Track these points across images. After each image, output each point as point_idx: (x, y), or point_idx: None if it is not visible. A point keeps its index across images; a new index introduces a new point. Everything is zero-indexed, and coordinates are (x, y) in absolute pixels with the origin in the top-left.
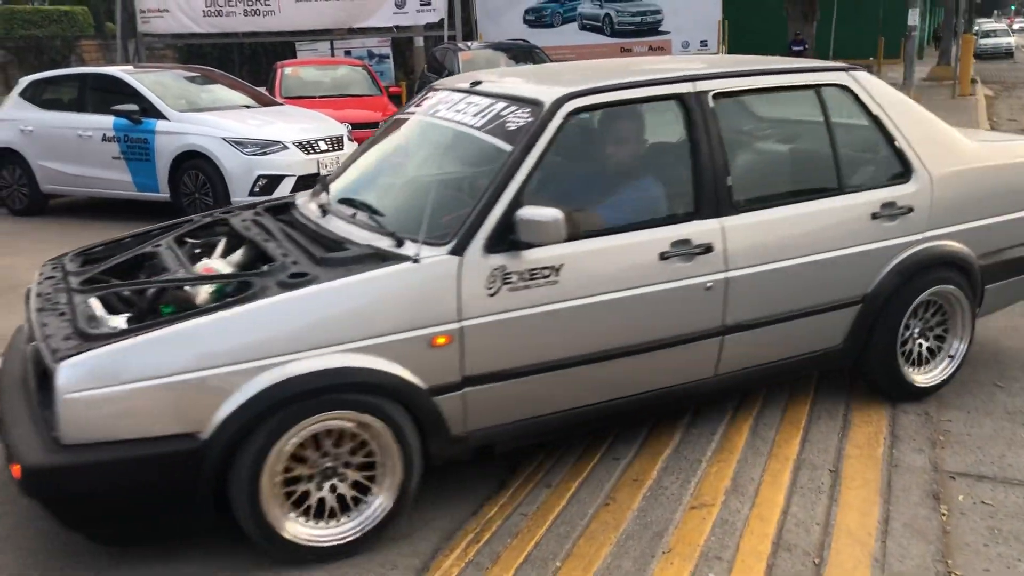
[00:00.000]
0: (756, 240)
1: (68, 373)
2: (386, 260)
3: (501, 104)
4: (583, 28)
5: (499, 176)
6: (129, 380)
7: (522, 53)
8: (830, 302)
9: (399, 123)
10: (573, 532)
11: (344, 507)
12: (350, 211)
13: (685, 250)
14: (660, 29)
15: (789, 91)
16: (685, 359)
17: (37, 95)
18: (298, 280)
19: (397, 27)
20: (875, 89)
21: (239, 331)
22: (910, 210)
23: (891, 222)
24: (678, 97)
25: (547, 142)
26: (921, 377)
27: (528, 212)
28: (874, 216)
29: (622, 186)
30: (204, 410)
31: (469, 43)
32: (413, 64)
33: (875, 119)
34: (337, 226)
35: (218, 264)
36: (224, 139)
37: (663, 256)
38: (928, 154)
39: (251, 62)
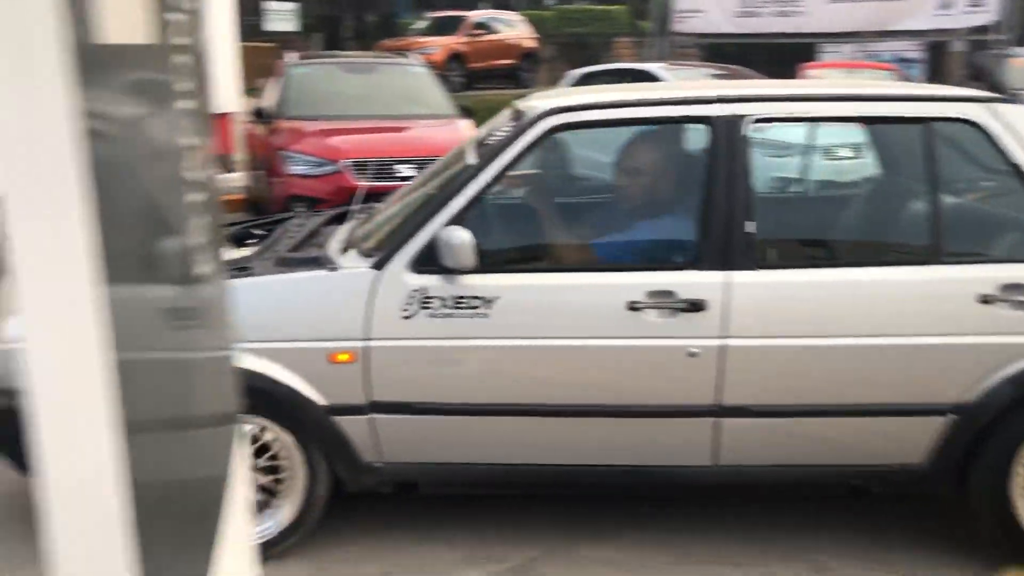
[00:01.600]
0: (781, 305)
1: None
2: (313, 266)
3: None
4: None
5: (447, 190)
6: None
7: None
8: (900, 404)
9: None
10: None
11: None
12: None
13: (664, 303)
14: None
15: (877, 123)
16: (665, 438)
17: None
18: (236, 272)
19: (937, 30)
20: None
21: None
22: None
23: (1013, 311)
24: (705, 120)
25: (511, 158)
26: None
27: (445, 231)
28: (985, 300)
29: (601, 218)
30: None
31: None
32: (948, 69)
33: (1016, 169)
34: (342, 234)
35: (235, 253)
36: None
37: (632, 306)
38: None
39: (773, 62)
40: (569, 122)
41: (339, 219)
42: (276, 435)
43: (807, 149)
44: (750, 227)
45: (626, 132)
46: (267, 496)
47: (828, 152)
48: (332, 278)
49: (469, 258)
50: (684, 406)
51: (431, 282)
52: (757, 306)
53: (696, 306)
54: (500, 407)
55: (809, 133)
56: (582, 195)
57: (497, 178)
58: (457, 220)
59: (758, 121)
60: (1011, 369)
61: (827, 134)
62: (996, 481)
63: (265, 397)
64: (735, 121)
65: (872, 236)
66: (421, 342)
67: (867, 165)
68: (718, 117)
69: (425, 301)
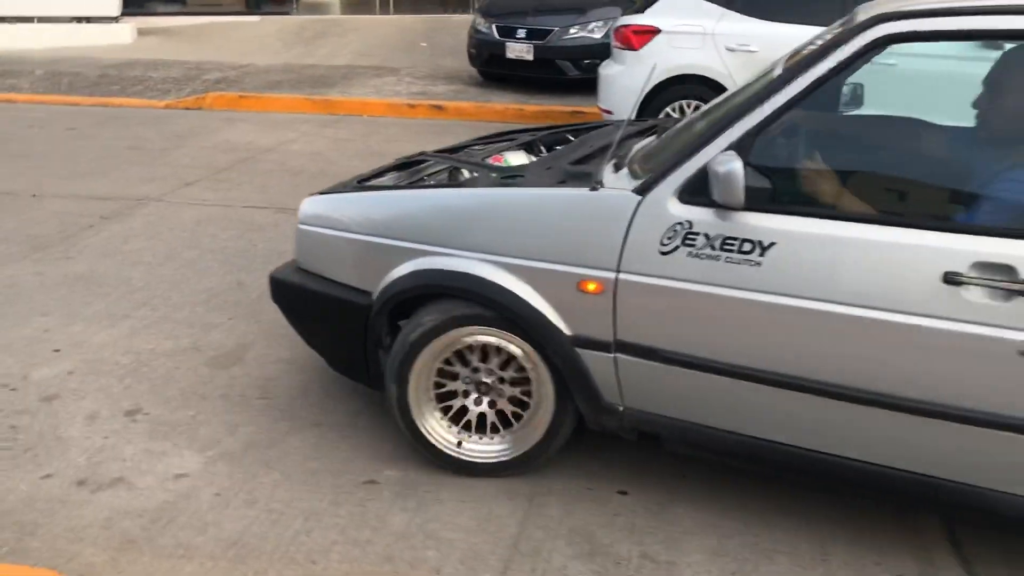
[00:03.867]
0: None
1: (304, 207)
2: (578, 182)
3: None
4: None
5: (740, 108)
6: (334, 227)
7: None
8: None
9: None
10: None
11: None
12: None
13: (995, 280)
14: None
15: None
16: (972, 452)
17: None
18: (506, 180)
19: None
20: None
21: (414, 210)
22: None
23: None
24: None
25: (824, 73)
26: None
27: (717, 158)
28: None
29: (926, 158)
30: (374, 275)
31: None
32: None
33: None
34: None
35: (513, 157)
36: None
37: (950, 279)
38: None
39: None
40: (908, 31)
41: (650, 131)
42: (528, 356)
43: None
44: None
45: (988, 49)
46: (513, 414)
47: None
48: (591, 198)
49: (738, 193)
50: (1005, 417)
51: (699, 215)
52: None
53: None
54: (761, 374)
55: None
56: (910, 129)
57: (801, 96)
58: (742, 144)
59: None
60: None
61: None
62: None
63: (512, 315)
64: None
65: None
66: (677, 283)
67: None
68: None
69: (689, 237)
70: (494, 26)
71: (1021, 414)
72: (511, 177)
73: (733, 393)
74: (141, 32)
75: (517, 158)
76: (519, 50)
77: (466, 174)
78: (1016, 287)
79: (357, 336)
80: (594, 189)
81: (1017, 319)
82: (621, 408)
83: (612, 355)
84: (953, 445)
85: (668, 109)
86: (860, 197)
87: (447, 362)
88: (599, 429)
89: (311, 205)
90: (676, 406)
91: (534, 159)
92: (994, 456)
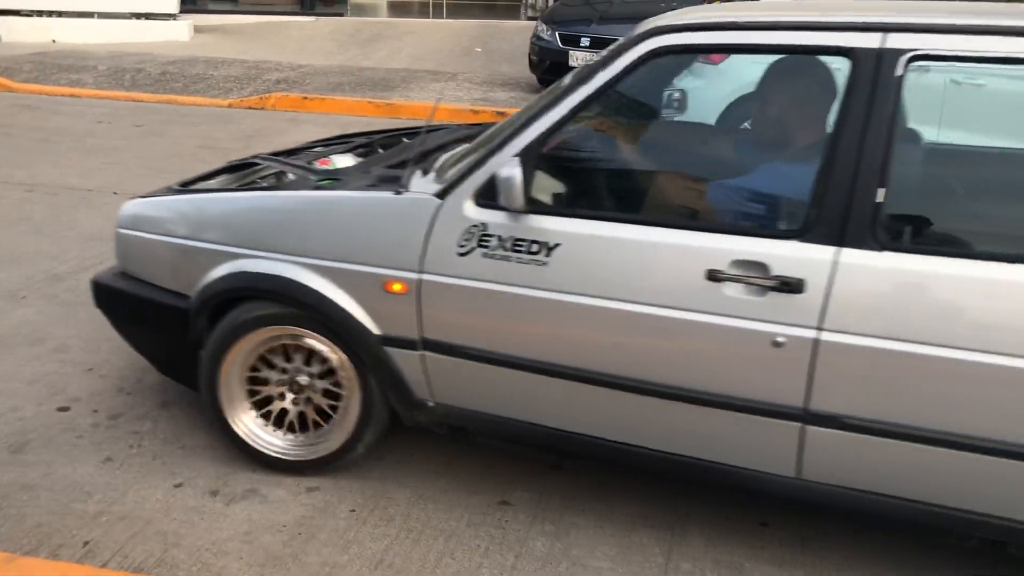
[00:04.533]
0: (906, 300)
1: (123, 210)
2: (386, 186)
3: None
4: None
5: (528, 116)
6: (152, 231)
7: None
8: None
9: None
10: None
11: (303, 426)
12: None
13: (751, 277)
14: None
15: None
16: (740, 436)
17: None
18: (321, 183)
19: None
20: None
21: (230, 214)
22: None
23: None
24: (846, 53)
25: (600, 86)
26: None
27: (500, 165)
28: None
29: (694, 167)
30: (192, 278)
31: None
32: None
33: None
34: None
35: (340, 159)
36: None
37: (713, 276)
38: None
39: None
40: (675, 44)
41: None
42: (335, 355)
43: (985, 100)
44: (880, 195)
45: (748, 64)
46: (325, 415)
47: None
48: (395, 202)
49: (518, 198)
50: (763, 404)
51: (492, 218)
52: (871, 297)
53: (791, 286)
54: (552, 367)
55: (992, 79)
56: (678, 137)
57: (581, 107)
58: (529, 151)
59: (916, 59)
60: None
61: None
62: None
63: (320, 316)
64: (885, 56)
65: None
66: (474, 283)
67: None
68: (862, 49)
69: (484, 238)
70: (557, 34)
71: (776, 400)
72: (328, 180)
73: (530, 386)
74: (197, 29)
75: (344, 161)
76: (584, 59)
77: (291, 177)
78: (768, 283)
79: (178, 340)
80: (398, 193)
81: (770, 312)
82: (431, 403)
83: (419, 353)
84: (722, 430)
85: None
86: (634, 200)
87: (264, 362)
88: (413, 424)
89: (130, 208)
90: (480, 400)
91: (360, 161)
92: (756, 439)
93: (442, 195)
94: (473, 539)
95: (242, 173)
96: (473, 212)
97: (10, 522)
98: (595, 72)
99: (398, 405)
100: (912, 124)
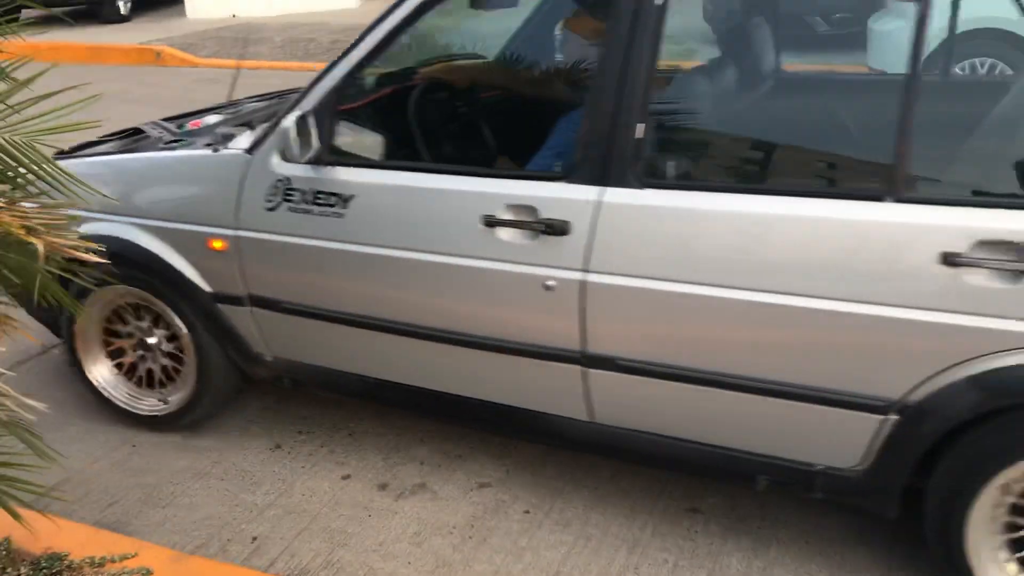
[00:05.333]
0: (667, 238)
1: None
2: (208, 144)
3: None
4: None
5: (323, 71)
6: None
7: None
8: (817, 389)
9: None
10: None
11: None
12: None
13: (523, 221)
14: None
15: None
16: (533, 381)
17: None
18: (168, 144)
19: None
20: None
21: (84, 177)
22: None
23: (1004, 280)
24: None
25: (382, 37)
26: None
27: (284, 118)
28: (951, 261)
29: (474, 107)
30: None
31: None
32: None
33: None
34: None
35: (213, 120)
36: None
37: (488, 221)
38: None
39: None
40: None
41: None
42: (173, 318)
43: (751, 28)
44: (639, 131)
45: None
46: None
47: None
48: (210, 160)
49: (294, 150)
50: (545, 348)
51: (295, 172)
52: (633, 236)
53: (557, 228)
54: (357, 318)
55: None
56: (459, 81)
57: (368, 58)
58: (325, 103)
59: None
60: (977, 367)
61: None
62: (949, 510)
63: (155, 276)
64: None
65: (816, 156)
66: (282, 237)
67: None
68: None
69: (288, 192)
70: None
71: (556, 344)
72: (176, 141)
73: (343, 337)
74: None
75: (213, 120)
76: None
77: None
78: (537, 226)
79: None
80: (215, 151)
81: (541, 256)
82: (269, 358)
83: (248, 308)
84: (514, 375)
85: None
86: (419, 148)
87: (118, 319)
88: (258, 379)
89: None
90: (307, 352)
91: (216, 121)
92: (546, 383)
93: (251, 151)
94: (659, 551)
95: (131, 139)
96: (278, 167)
97: (183, 512)
98: (379, 23)
99: (238, 361)
100: (673, 57)
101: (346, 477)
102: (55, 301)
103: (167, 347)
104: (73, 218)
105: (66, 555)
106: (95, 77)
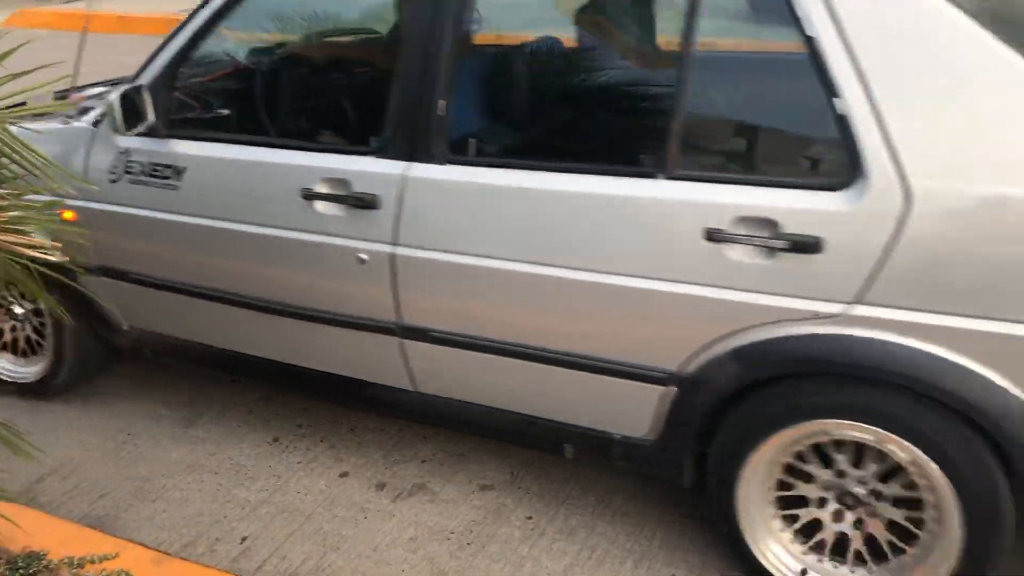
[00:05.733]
0: (465, 212)
1: None
2: (65, 118)
3: None
4: None
5: (167, 38)
6: None
7: None
8: (604, 360)
9: None
10: None
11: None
12: None
13: (338, 194)
14: None
15: None
16: (357, 350)
17: None
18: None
19: None
20: None
21: None
22: (814, 248)
23: (761, 259)
24: None
25: (212, 12)
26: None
27: (112, 92)
28: (713, 237)
29: (299, 82)
30: None
31: None
32: None
33: (809, 42)
34: None
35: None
36: None
37: (308, 195)
38: (927, 140)
39: None
40: None
41: None
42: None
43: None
44: (441, 108)
45: None
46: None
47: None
48: (61, 132)
49: (119, 122)
50: (366, 320)
51: (136, 144)
52: (436, 211)
53: (367, 202)
54: (196, 289)
55: None
56: (284, 57)
57: (201, 32)
58: (161, 78)
59: None
60: (738, 340)
61: None
62: (723, 477)
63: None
64: None
65: (601, 134)
66: (124, 209)
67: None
68: None
69: (129, 164)
70: None
71: (374, 316)
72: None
73: (187, 308)
74: None
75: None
76: None
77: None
78: (350, 200)
79: None
80: (66, 123)
81: (355, 230)
82: (126, 327)
83: (100, 279)
84: (343, 346)
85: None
86: (244, 121)
87: None
88: (121, 348)
89: None
90: (157, 323)
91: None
92: (370, 354)
93: (96, 123)
94: (667, 565)
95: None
96: (121, 139)
97: (173, 506)
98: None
99: (101, 330)
100: (477, 32)
101: (344, 475)
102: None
103: (34, 322)
104: (50, 204)
105: (44, 554)
106: (124, 48)
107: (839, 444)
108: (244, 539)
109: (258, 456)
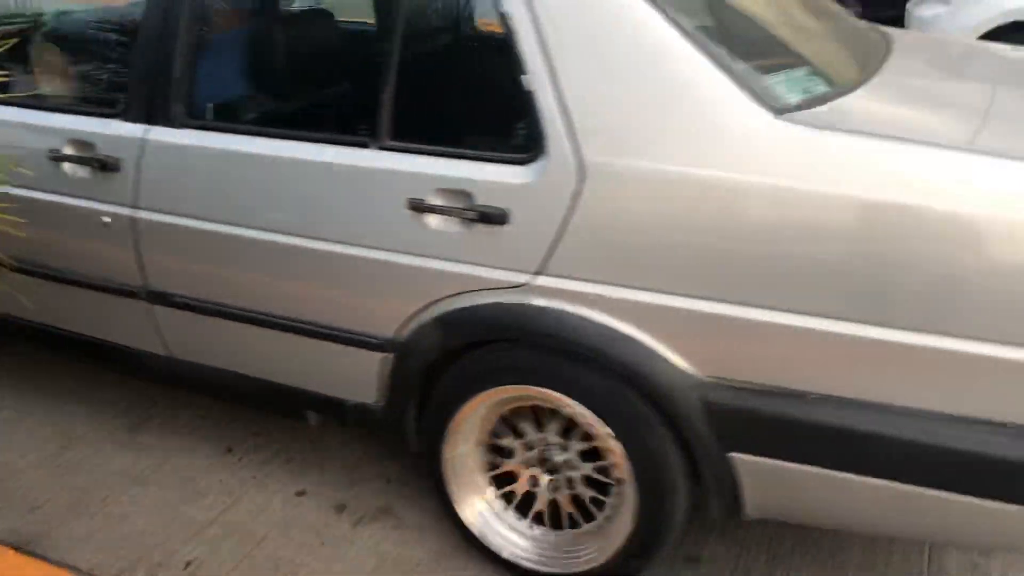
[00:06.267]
0: (193, 175)
1: None
2: None
3: None
4: None
5: None
6: None
7: None
8: (327, 327)
9: None
10: None
11: None
12: None
13: (84, 157)
14: None
15: None
16: (110, 314)
17: None
18: None
19: None
20: None
21: None
22: (502, 219)
23: (457, 229)
24: None
25: None
26: (508, 532)
27: None
28: (416, 207)
29: (60, 44)
30: None
31: None
32: None
33: (503, 18)
34: None
35: None
36: None
37: (55, 156)
38: (600, 117)
39: None
40: None
41: None
42: None
43: None
44: (178, 70)
45: None
46: None
47: None
48: None
49: None
50: (115, 284)
51: None
52: (172, 175)
53: (110, 165)
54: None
55: None
56: (42, 18)
57: None
58: None
59: None
60: (443, 307)
61: None
62: (431, 435)
63: None
64: None
65: (325, 104)
66: None
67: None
68: None
69: None
70: None
71: (121, 280)
72: None
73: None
74: None
75: None
76: None
77: None
78: (99, 162)
79: None
80: None
81: (99, 192)
82: None
83: None
84: (90, 307)
85: None
86: (32, 85)
87: None
88: None
89: None
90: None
91: None
92: (123, 317)
93: None
94: None
95: None
96: None
97: (112, 524)
98: None
99: None
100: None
101: (300, 493)
102: None
103: None
104: None
105: None
106: None
107: (552, 412)
108: (188, 564)
109: (209, 468)
